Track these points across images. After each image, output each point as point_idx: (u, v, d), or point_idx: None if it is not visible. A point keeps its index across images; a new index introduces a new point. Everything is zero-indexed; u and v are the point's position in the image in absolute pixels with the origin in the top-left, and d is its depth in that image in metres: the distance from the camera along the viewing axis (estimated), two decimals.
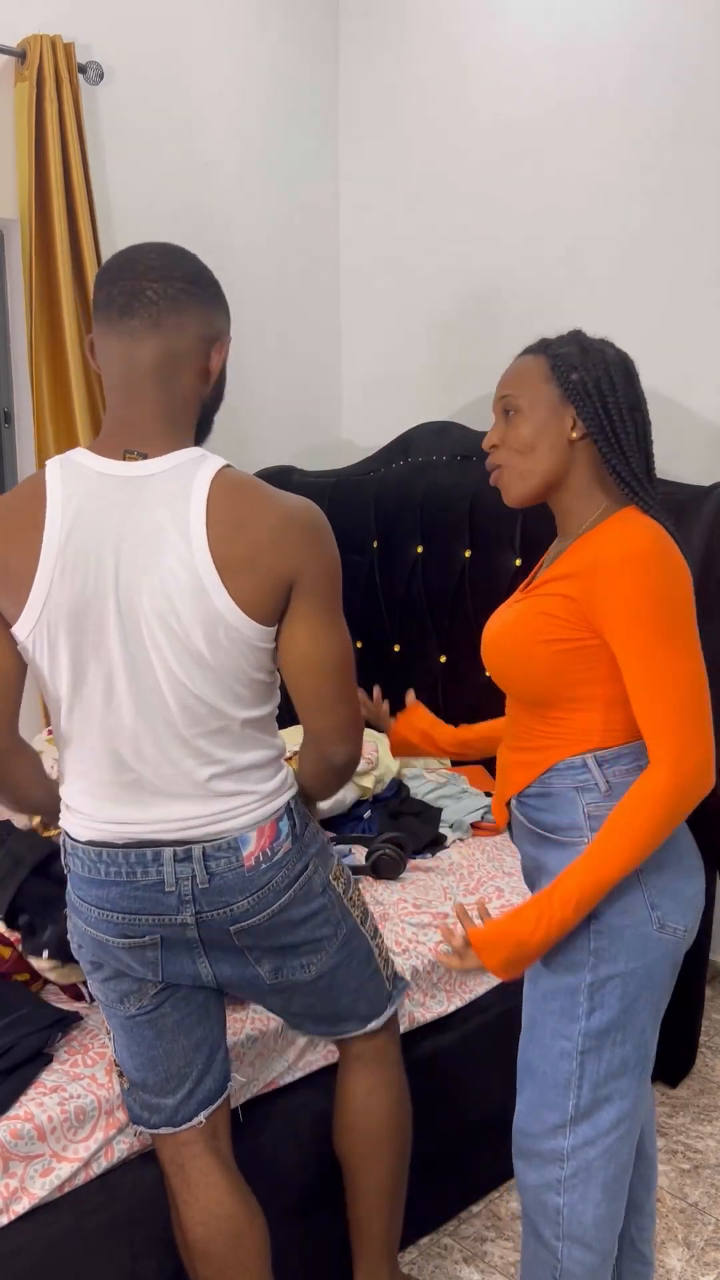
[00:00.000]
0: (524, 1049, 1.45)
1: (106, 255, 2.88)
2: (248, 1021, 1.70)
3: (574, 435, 1.36)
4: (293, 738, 1.87)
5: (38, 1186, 1.45)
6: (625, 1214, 1.50)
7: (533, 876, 1.49)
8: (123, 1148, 1.55)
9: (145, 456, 1.26)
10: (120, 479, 1.25)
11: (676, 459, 2.55)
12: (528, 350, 1.43)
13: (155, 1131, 1.48)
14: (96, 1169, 1.52)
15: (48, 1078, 1.53)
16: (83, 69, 2.75)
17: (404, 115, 3.22)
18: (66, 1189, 1.48)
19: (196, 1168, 1.47)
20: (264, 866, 1.38)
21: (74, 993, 1.72)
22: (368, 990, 1.57)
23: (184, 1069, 1.46)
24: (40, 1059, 1.54)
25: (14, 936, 1.76)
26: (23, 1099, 1.48)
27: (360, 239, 3.44)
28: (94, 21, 2.81)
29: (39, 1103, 1.48)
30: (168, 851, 1.34)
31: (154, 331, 1.25)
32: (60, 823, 1.42)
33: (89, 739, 1.33)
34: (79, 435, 2.79)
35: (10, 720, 1.39)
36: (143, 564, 1.24)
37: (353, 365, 3.55)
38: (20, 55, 2.61)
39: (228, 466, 1.29)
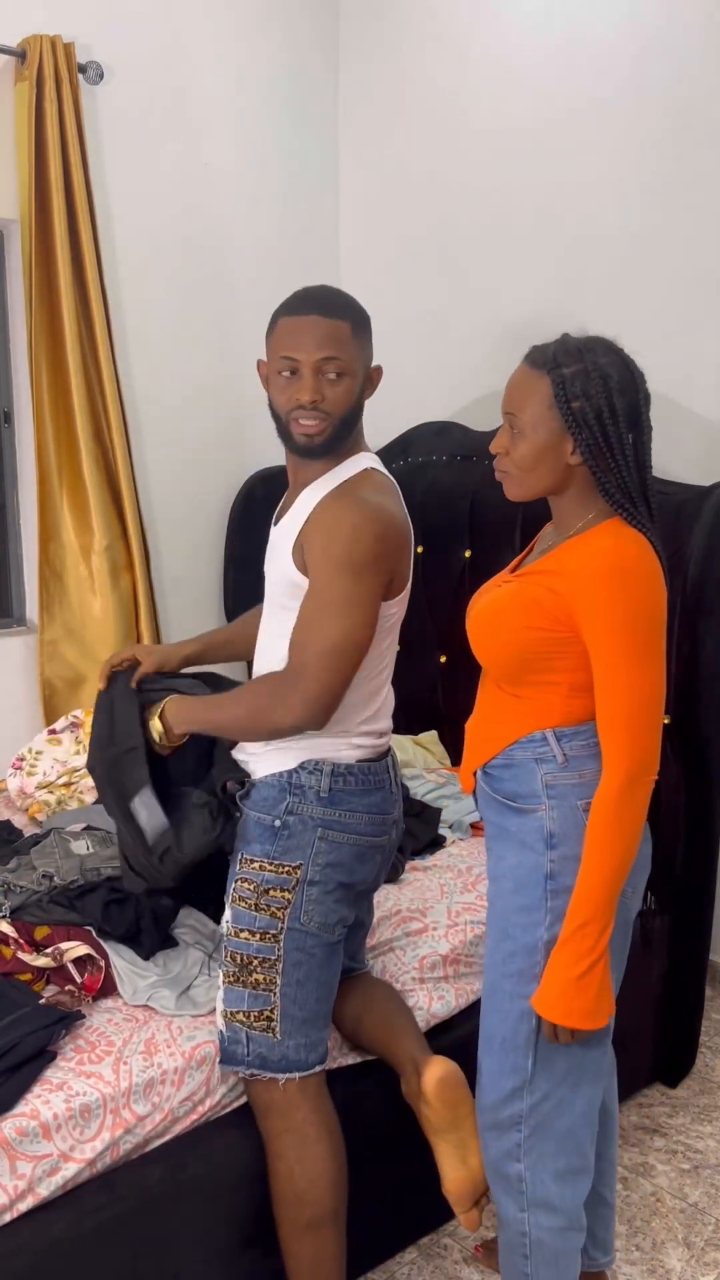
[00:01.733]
0: (484, 1018, 1.55)
1: (106, 255, 2.89)
2: None
3: (573, 461, 1.45)
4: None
5: (43, 1187, 1.45)
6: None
7: (492, 843, 1.58)
8: (128, 1147, 1.55)
9: None
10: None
11: (676, 459, 2.56)
12: (533, 361, 1.46)
13: (308, 1072, 1.58)
14: (100, 1166, 1.52)
15: (53, 1074, 1.53)
16: (83, 69, 2.75)
17: (404, 115, 3.22)
18: (70, 1187, 1.48)
19: (329, 1104, 1.61)
20: None
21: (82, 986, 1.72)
22: None
23: (334, 996, 1.66)
24: (44, 1056, 1.54)
25: (14, 935, 1.77)
26: (28, 1096, 1.48)
27: (360, 238, 3.44)
28: (94, 21, 2.80)
29: (44, 1099, 1.48)
30: (388, 759, 1.68)
31: None
32: (319, 754, 1.59)
33: (386, 673, 1.66)
34: (79, 435, 2.79)
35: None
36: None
37: None
38: (20, 55, 2.61)
39: None
